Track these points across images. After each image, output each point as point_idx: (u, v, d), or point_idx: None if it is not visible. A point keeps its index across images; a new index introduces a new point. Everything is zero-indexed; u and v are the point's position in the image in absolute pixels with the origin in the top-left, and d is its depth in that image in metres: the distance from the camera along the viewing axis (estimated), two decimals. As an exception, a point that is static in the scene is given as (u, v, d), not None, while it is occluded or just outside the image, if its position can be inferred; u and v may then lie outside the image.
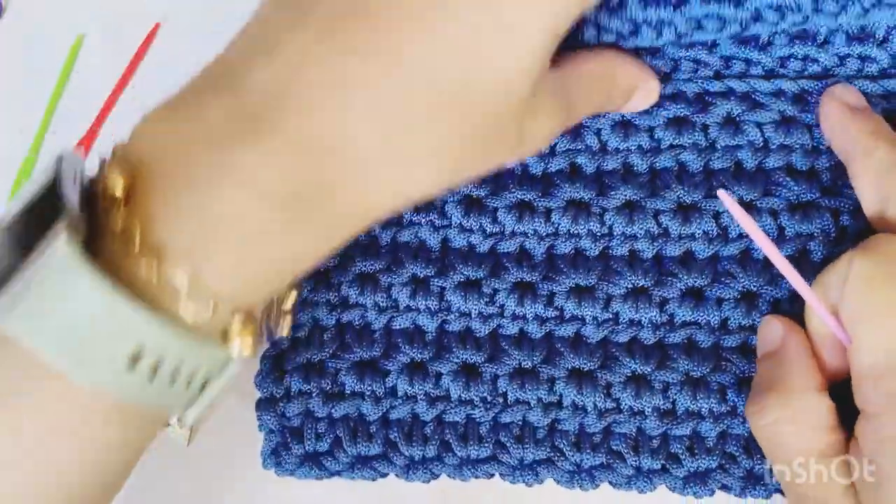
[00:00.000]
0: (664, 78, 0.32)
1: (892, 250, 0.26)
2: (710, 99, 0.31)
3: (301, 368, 0.32)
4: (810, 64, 0.31)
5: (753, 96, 0.31)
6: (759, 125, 0.31)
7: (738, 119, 0.31)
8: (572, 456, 0.30)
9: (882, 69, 0.31)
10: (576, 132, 0.32)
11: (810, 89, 0.31)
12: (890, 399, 0.24)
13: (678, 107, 0.31)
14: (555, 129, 0.26)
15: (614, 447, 0.30)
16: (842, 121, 0.29)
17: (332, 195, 0.22)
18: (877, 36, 0.30)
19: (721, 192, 0.27)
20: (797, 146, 0.31)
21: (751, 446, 0.30)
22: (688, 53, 0.31)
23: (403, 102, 0.21)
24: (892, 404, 0.24)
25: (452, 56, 0.21)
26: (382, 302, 0.32)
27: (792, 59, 0.31)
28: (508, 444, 0.31)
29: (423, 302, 0.32)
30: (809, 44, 0.31)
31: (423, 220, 0.32)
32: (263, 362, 0.32)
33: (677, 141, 0.31)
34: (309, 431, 0.32)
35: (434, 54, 0.21)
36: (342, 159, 0.21)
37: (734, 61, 0.31)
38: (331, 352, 0.32)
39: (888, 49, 0.30)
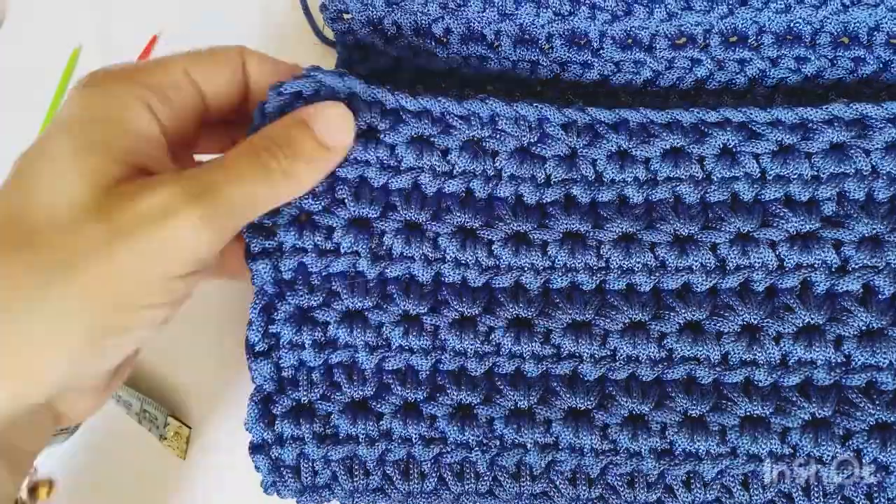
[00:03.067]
0: (659, 102, 0.32)
1: None
2: (706, 129, 0.30)
3: (291, 412, 0.31)
4: (802, 63, 0.32)
5: (751, 126, 0.30)
6: (756, 156, 0.29)
7: (734, 150, 0.30)
8: (567, 492, 0.30)
9: (874, 70, 0.31)
10: (571, 163, 0.30)
11: (810, 117, 0.29)
12: None
13: (674, 137, 0.30)
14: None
15: (610, 482, 0.29)
16: None
17: None
18: (860, 38, 0.31)
19: None
20: (795, 176, 0.29)
21: (749, 482, 0.29)
22: (682, 53, 0.32)
23: None
24: None
25: None
26: (373, 341, 0.31)
27: (784, 58, 0.32)
28: (505, 482, 0.30)
29: (416, 342, 0.30)
30: (797, 45, 0.31)
31: (416, 253, 0.30)
32: (251, 407, 0.31)
33: (674, 173, 0.30)
34: (306, 469, 0.31)
35: None
36: None
37: (728, 62, 0.32)
38: (320, 392, 0.31)
39: (873, 52, 0.31)
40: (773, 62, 0.32)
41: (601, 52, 0.33)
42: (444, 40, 0.34)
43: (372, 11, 0.34)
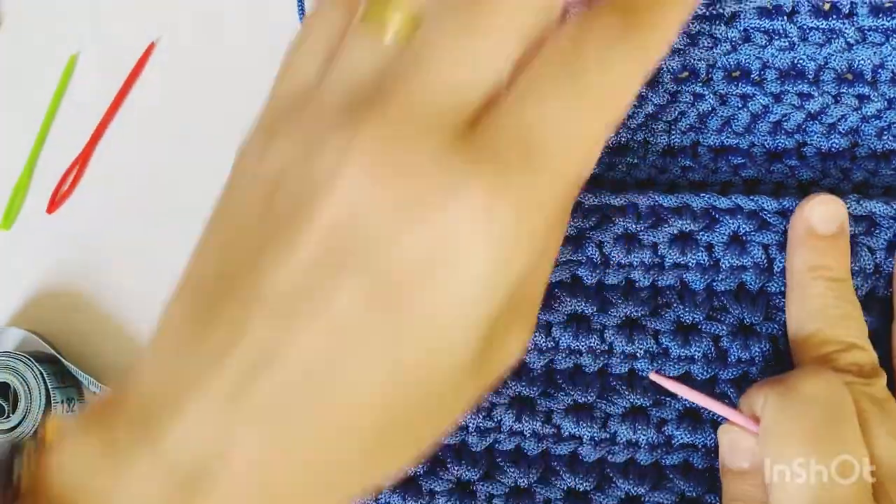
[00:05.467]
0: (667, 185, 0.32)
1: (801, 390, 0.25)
2: (717, 215, 0.30)
3: None
4: (806, 100, 0.31)
5: (761, 214, 0.30)
6: (765, 246, 0.30)
7: (744, 238, 0.30)
8: None
9: (878, 109, 0.31)
10: (577, 243, 0.31)
11: None
12: None
13: (684, 222, 0.30)
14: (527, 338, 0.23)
15: None
16: (791, 243, 0.29)
17: None
18: (865, 76, 0.31)
19: (653, 376, 0.28)
20: None
21: None
22: (685, 87, 0.32)
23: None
24: None
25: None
26: None
27: (787, 94, 0.31)
28: None
29: None
30: (801, 81, 0.31)
31: None
32: None
33: (681, 260, 0.30)
34: None
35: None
36: None
37: (730, 97, 0.32)
38: None
39: (878, 89, 0.31)
40: (776, 98, 0.32)
41: None
42: None
43: None
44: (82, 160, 0.39)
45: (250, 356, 0.19)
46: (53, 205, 0.39)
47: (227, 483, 0.19)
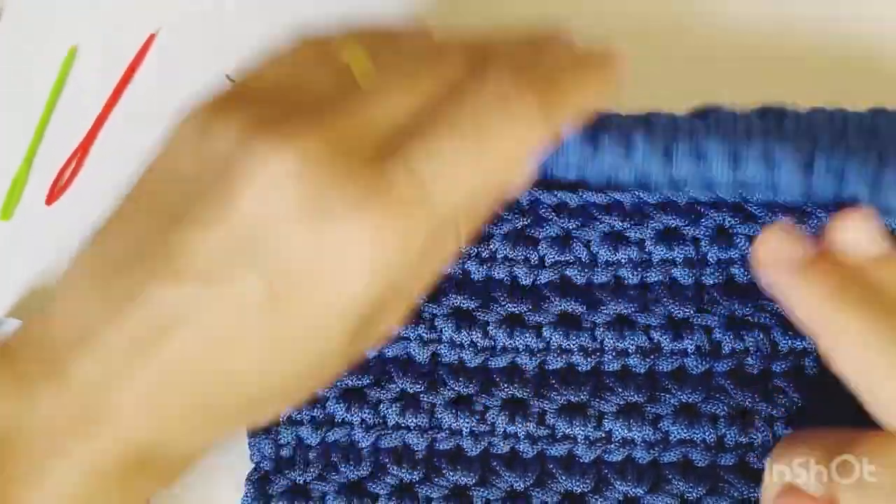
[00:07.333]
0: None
1: None
2: (701, 209, 0.31)
3: (287, 494, 0.31)
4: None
5: (746, 207, 0.30)
6: (750, 238, 0.30)
7: (730, 231, 0.31)
8: None
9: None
10: (564, 244, 0.31)
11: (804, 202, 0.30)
12: None
13: (668, 217, 0.31)
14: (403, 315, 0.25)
15: None
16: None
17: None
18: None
19: None
20: None
21: None
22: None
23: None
24: None
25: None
26: (370, 419, 0.31)
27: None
28: None
29: (413, 419, 0.31)
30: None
31: (412, 335, 0.32)
32: (248, 486, 0.32)
33: (668, 255, 0.31)
34: None
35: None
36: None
37: None
38: (316, 472, 0.31)
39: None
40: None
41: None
42: None
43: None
44: (81, 152, 0.39)
45: (152, 316, 0.22)
46: (53, 196, 0.39)
47: (122, 412, 0.22)
